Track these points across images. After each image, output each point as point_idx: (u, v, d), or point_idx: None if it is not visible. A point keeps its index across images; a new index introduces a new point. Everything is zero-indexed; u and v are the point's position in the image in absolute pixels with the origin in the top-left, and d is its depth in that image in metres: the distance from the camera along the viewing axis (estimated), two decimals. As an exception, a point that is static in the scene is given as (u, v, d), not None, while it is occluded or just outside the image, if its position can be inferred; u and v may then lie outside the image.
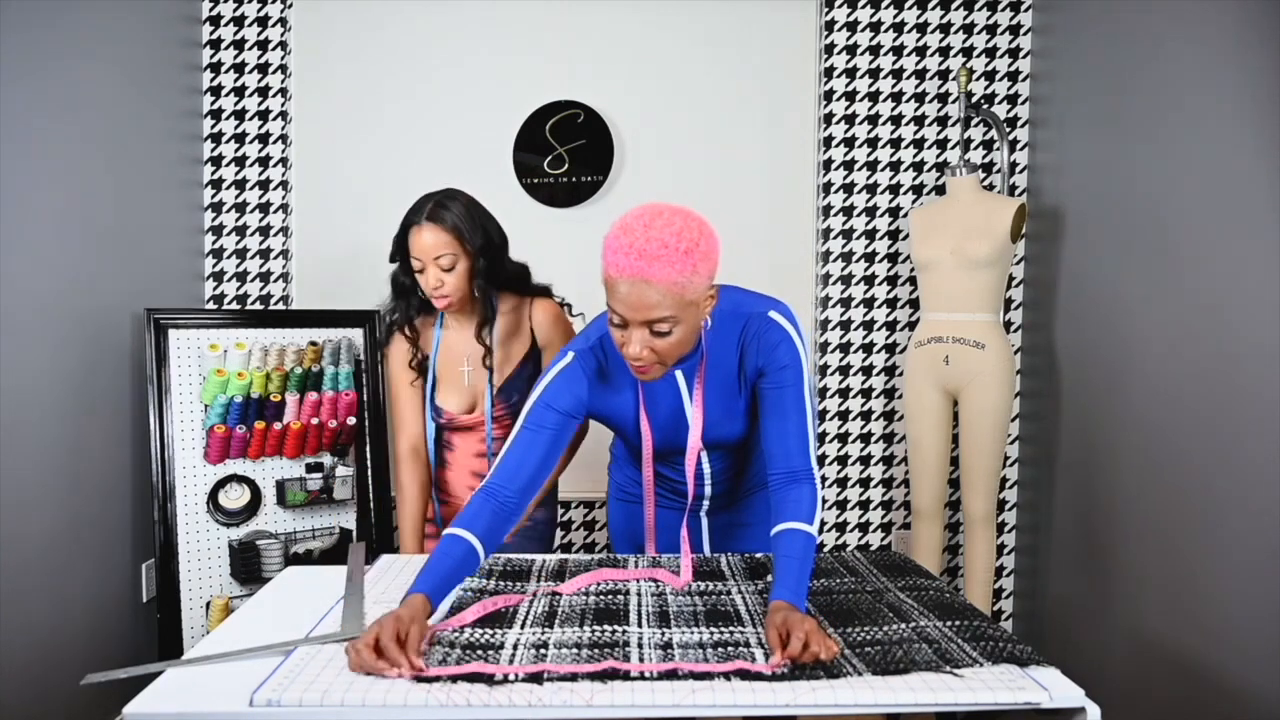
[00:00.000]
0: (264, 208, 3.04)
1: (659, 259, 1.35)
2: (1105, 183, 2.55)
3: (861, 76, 3.04)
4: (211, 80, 3.01)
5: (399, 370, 2.11)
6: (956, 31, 3.02)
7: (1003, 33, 3.01)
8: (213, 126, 3.02)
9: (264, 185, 3.04)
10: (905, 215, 3.05)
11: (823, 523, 3.09)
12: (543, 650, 1.25)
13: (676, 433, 1.65)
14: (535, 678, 1.16)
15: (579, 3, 3.02)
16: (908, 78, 3.04)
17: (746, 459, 1.79)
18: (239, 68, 3.02)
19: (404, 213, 1.99)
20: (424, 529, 2.12)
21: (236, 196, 3.04)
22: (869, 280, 3.08)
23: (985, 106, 2.96)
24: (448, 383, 2.09)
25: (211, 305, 3.04)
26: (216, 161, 3.03)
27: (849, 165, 3.05)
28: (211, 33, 3.00)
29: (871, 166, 3.05)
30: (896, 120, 3.05)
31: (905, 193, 3.06)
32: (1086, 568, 2.62)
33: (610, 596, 1.49)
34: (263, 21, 3.01)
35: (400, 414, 2.13)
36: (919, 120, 3.04)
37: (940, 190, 3.01)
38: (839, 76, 3.04)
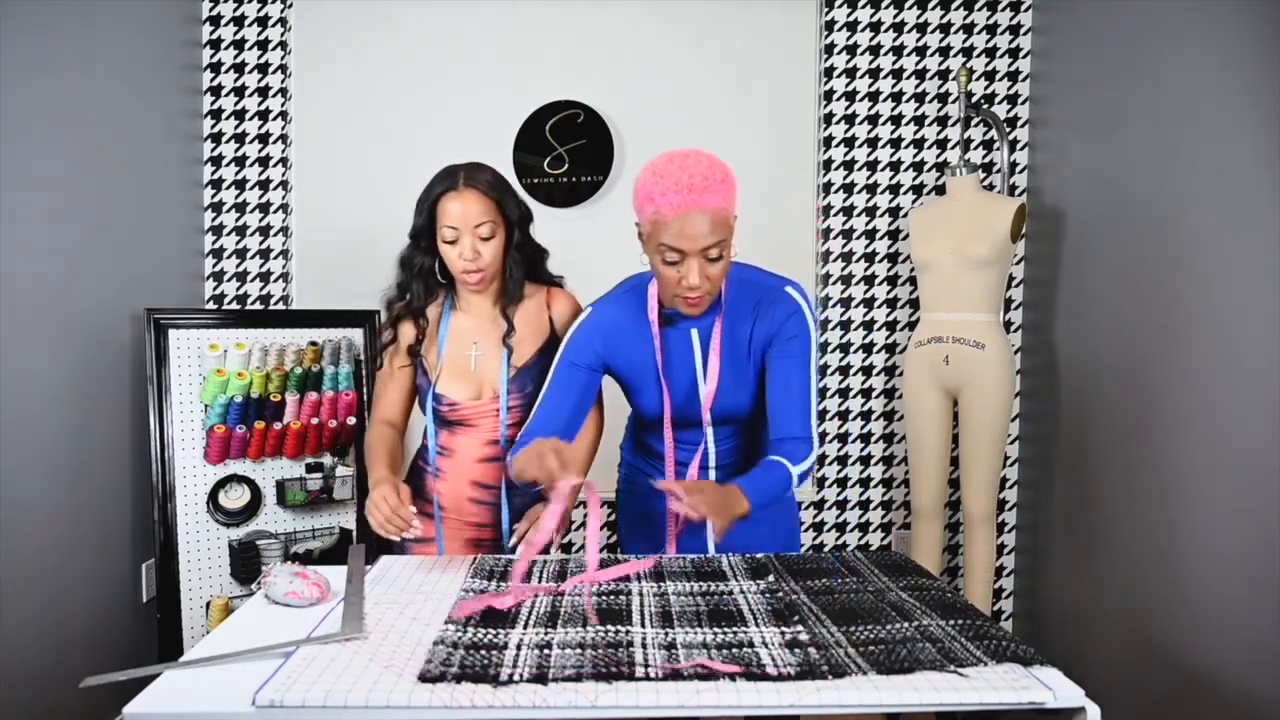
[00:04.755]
0: (264, 208, 3.04)
1: (706, 189, 1.49)
2: (1105, 183, 2.55)
3: (861, 76, 3.04)
4: (211, 80, 3.01)
5: (396, 354, 1.93)
6: (956, 31, 3.02)
7: (1003, 33, 3.01)
8: (213, 126, 3.02)
9: (264, 185, 3.04)
10: (905, 215, 3.05)
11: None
12: (546, 650, 1.25)
13: (689, 399, 1.70)
14: (540, 678, 1.16)
15: (579, 3, 3.01)
16: (908, 78, 3.04)
17: (752, 443, 1.81)
18: (239, 68, 3.01)
19: (417, 195, 1.85)
20: (393, 455, 1.89)
21: (236, 196, 3.03)
22: (869, 280, 3.08)
23: (985, 106, 2.96)
24: (452, 368, 1.89)
25: (211, 305, 3.03)
26: (216, 161, 3.03)
27: (849, 165, 3.05)
28: (211, 33, 3.00)
29: (871, 166, 3.06)
30: (896, 120, 3.05)
31: (905, 193, 3.06)
32: (1086, 568, 2.62)
33: (612, 597, 1.49)
34: (263, 21, 3.01)
35: (383, 392, 1.94)
36: (919, 120, 3.04)
37: (940, 190, 3.01)
38: (839, 76, 3.04)
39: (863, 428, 3.11)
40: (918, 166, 3.05)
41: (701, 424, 1.74)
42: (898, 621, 1.36)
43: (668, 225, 1.50)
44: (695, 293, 1.55)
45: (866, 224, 3.07)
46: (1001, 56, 3.02)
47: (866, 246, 3.07)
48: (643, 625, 1.35)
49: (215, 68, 3.01)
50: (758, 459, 1.82)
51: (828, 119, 3.05)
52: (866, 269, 3.08)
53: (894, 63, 3.04)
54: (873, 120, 3.05)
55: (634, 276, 1.77)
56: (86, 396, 2.39)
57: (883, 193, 3.06)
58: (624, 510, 1.98)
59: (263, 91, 3.02)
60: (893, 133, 3.05)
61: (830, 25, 3.03)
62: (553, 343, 1.91)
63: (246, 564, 2.60)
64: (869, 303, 3.09)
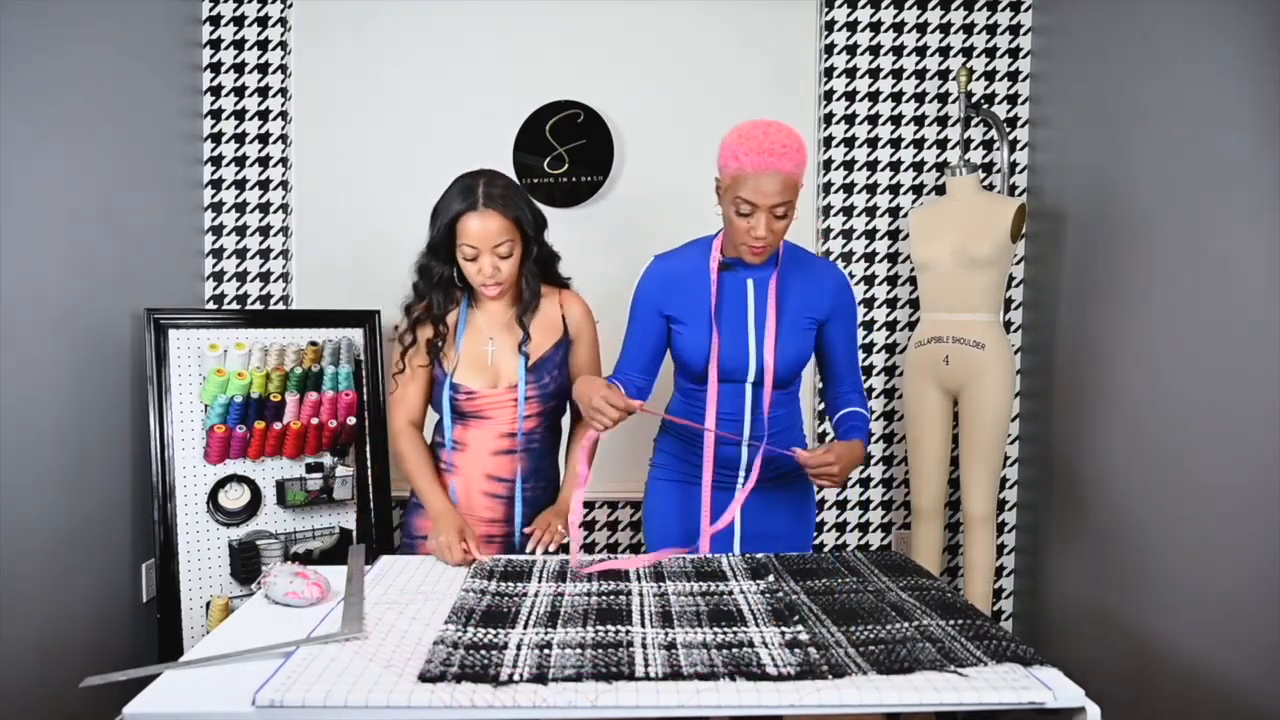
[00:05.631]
0: (264, 208, 3.04)
1: (783, 155, 1.71)
2: (1105, 183, 2.55)
3: (862, 77, 3.04)
4: (211, 80, 3.01)
5: (416, 354, 1.97)
6: (956, 31, 3.02)
7: (1003, 33, 3.01)
8: (213, 126, 3.02)
9: (264, 185, 3.04)
10: (905, 215, 3.05)
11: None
12: (546, 650, 1.25)
13: (736, 343, 1.87)
14: (540, 678, 1.16)
15: (579, 3, 3.01)
16: (908, 78, 3.04)
17: (790, 419, 1.96)
18: (239, 68, 3.01)
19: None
20: (441, 481, 1.94)
21: (236, 196, 3.03)
22: (869, 280, 3.08)
23: (985, 106, 2.96)
24: (469, 359, 1.94)
25: (211, 305, 3.03)
26: (216, 161, 3.02)
27: (849, 165, 3.05)
28: (211, 33, 3.00)
29: (871, 166, 3.05)
30: (896, 120, 3.05)
31: (905, 193, 3.06)
32: (1086, 568, 2.62)
33: (612, 597, 1.49)
34: (263, 21, 3.01)
35: (404, 394, 1.98)
36: (919, 120, 3.04)
37: (940, 190, 3.01)
38: (839, 76, 3.04)
39: (863, 428, 3.11)
40: (918, 166, 3.05)
41: (744, 380, 1.87)
42: (898, 621, 1.36)
43: (746, 181, 1.72)
44: (760, 243, 1.76)
45: (866, 224, 3.07)
46: (1001, 56, 3.02)
47: (866, 246, 3.07)
48: (643, 625, 1.35)
49: (215, 68, 3.01)
50: (795, 432, 2.00)
51: (828, 119, 3.05)
52: (866, 269, 3.08)
53: (894, 63, 3.04)
54: (873, 120, 3.05)
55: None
56: (86, 396, 2.39)
57: (883, 193, 3.06)
58: (660, 497, 1.98)
59: (263, 91, 3.02)
60: (893, 133, 3.05)
61: (830, 25, 3.03)
62: (566, 340, 1.98)
63: (246, 564, 2.60)
64: (869, 303, 3.09)
